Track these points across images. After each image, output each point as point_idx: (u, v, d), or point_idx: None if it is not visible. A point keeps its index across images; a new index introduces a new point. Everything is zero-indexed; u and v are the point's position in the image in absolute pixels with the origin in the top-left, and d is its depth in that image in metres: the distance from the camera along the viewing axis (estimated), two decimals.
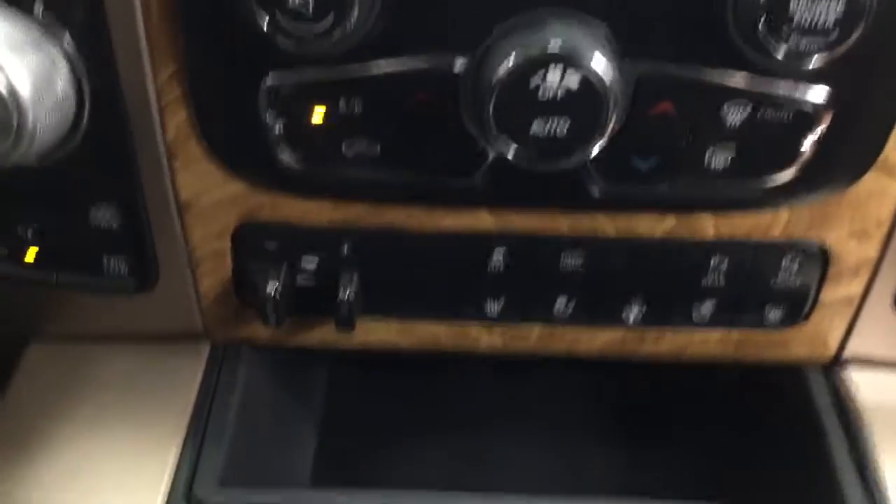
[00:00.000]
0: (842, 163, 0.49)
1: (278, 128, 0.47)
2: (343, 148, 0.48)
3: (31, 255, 0.55)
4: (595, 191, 0.49)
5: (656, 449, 0.70)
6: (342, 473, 0.65)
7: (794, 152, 0.48)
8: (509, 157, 0.45)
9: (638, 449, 0.70)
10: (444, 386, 0.72)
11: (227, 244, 0.54)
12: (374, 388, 0.73)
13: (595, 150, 0.45)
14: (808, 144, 0.47)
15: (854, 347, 0.58)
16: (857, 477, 0.54)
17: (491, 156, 0.48)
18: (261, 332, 0.58)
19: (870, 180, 0.50)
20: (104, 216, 0.53)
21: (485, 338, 0.58)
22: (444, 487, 0.56)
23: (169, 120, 0.49)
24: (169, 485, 0.53)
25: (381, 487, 0.56)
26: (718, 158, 0.48)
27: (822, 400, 0.59)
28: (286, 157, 0.49)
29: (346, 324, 0.55)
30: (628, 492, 0.65)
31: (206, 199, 0.52)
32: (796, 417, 0.60)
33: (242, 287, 0.56)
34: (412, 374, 0.71)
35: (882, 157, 0.49)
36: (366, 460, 0.67)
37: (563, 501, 0.55)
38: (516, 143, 0.44)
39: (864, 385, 0.59)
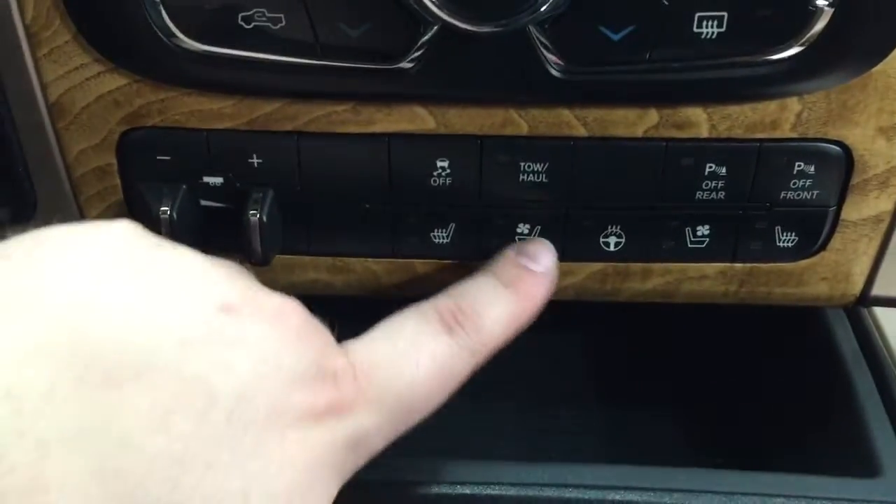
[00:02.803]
0: (864, 32, 0.39)
1: None
2: (239, 18, 0.39)
3: None
4: (555, 70, 0.39)
5: (648, 407, 0.59)
6: None
7: (803, 17, 0.38)
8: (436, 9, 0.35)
9: (627, 409, 0.59)
10: None
11: (113, 159, 0.44)
12: None
13: None
14: (819, 5, 0.37)
15: (885, 284, 0.48)
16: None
17: (423, 28, 0.38)
18: None
19: None
20: None
21: (434, 275, 0.48)
22: None
23: None
24: None
25: None
26: (709, 24, 0.38)
27: (847, 348, 0.48)
28: (172, 33, 0.39)
29: (259, 257, 0.45)
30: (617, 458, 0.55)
31: (82, 99, 0.42)
32: (817, 369, 0.49)
33: (137, 215, 0.46)
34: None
35: None
36: None
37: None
38: None
39: None
